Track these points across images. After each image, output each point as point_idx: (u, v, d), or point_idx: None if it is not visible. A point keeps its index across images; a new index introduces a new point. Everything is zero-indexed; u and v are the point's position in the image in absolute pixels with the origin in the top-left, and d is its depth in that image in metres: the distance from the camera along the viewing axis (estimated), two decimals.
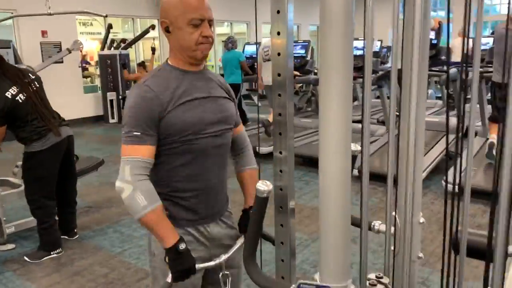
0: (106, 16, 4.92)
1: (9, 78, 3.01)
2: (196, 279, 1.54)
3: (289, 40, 1.29)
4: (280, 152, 1.39)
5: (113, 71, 9.31)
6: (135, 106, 1.40)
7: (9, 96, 2.96)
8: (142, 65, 9.07)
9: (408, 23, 0.93)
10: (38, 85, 3.17)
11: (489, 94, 5.07)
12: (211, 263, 1.50)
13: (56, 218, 3.36)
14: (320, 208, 0.92)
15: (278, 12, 1.28)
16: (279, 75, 1.34)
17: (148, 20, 10.60)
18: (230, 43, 7.44)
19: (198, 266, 1.42)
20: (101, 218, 4.16)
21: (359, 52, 7.25)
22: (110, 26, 9.07)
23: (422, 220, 1.42)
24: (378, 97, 7.32)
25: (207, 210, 1.54)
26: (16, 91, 3.00)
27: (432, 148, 5.16)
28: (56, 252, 3.33)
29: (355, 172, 5.79)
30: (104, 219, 4.11)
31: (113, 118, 9.53)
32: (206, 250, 1.54)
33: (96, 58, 10.80)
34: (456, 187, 0.87)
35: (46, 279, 3.03)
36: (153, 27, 9.11)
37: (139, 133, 1.37)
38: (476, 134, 5.56)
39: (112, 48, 9.38)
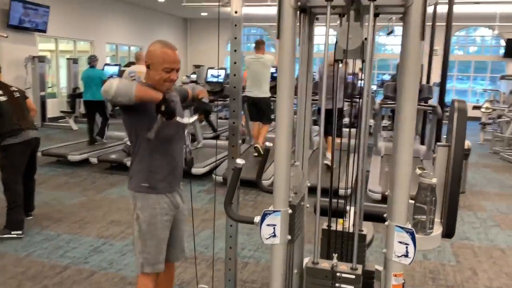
0: (7, 37, 4.92)
1: None
2: (169, 217, 2.28)
3: (241, 67, 2.26)
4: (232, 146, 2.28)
5: None
6: None
7: None
8: None
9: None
10: (19, 95, 4.17)
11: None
12: (184, 120, 2.21)
13: None
14: (275, 158, 1.81)
15: (235, 50, 2.23)
16: (234, 87, 2.27)
17: None
18: (95, 60, 7.95)
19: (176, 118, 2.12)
20: None
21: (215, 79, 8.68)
22: None
23: (297, 163, 2.40)
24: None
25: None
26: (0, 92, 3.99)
27: None
28: (17, 233, 3.98)
29: (219, 178, 7.09)
30: None
31: None
32: (171, 213, 2.31)
33: None
34: None
35: None
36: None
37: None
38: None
39: None
